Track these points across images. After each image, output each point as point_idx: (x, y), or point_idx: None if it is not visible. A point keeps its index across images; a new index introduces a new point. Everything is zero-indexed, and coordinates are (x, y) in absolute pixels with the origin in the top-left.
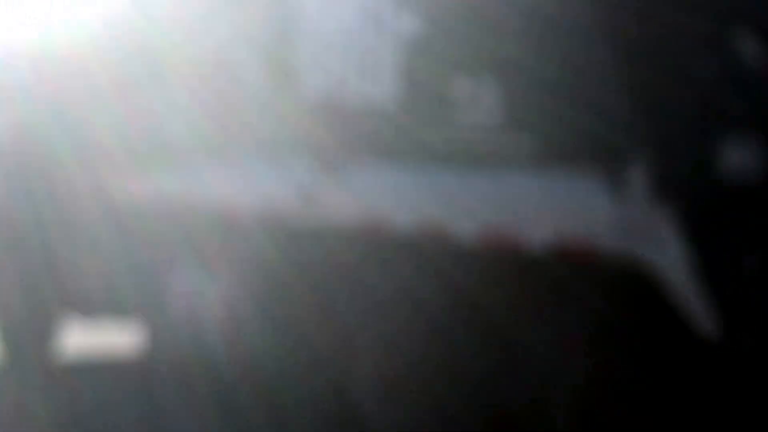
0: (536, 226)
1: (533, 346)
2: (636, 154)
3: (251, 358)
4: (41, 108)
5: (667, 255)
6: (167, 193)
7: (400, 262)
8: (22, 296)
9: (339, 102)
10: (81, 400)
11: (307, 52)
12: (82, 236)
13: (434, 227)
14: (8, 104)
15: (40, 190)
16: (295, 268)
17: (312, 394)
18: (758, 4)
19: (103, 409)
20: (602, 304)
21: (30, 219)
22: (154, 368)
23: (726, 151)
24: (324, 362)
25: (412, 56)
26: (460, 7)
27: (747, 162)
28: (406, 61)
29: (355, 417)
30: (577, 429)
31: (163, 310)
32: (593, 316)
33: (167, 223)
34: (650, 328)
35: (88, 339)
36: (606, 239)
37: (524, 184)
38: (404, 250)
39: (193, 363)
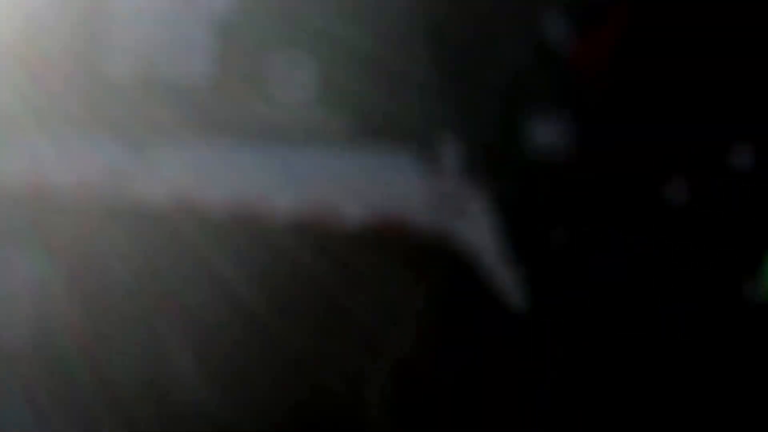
0: (351, 203)
1: (350, 323)
2: (448, 131)
3: (62, 339)
4: None
5: (478, 230)
6: None
7: (215, 240)
8: None
9: (151, 79)
10: None
11: (118, 29)
12: None
13: (249, 205)
14: None
15: None
16: (108, 247)
17: (125, 373)
18: None
19: None
20: (415, 280)
21: None
22: None
23: (534, 128)
24: (136, 341)
25: (225, 32)
26: None
27: (553, 139)
28: (218, 38)
29: (168, 397)
30: (395, 403)
31: None
32: (406, 291)
33: None
34: (462, 302)
35: None
36: (419, 215)
37: (339, 160)
38: (219, 229)
39: (5, 345)
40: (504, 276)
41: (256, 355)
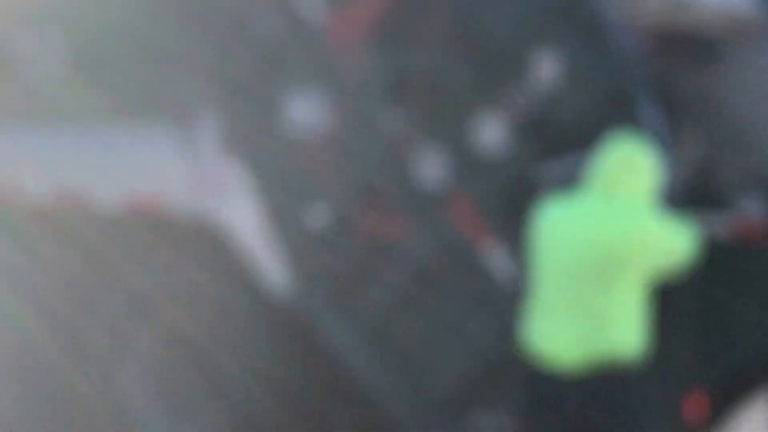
0: (107, 183)
1: (109, 308)
2: (205, 109)
3: None
4: None
5: (238, 208)
6: None
7: None
8: None
9: None
10: None
11: None
12: None
13: (1, 186)
14: None
15: None
16: None
17: None
18: None
19: None
20: (175, 260)
21: None
22: None
23: (290, 105)
24: None
25: None
26: None
27: (310, 116)
28: None
29: None
30: (153, 387)
31: None
32: (166, 272)
33: None
34: (222, 281)
35: None
36: (177, 195)
37: (94, 139)
38: None
39: None
40: (265, 255)
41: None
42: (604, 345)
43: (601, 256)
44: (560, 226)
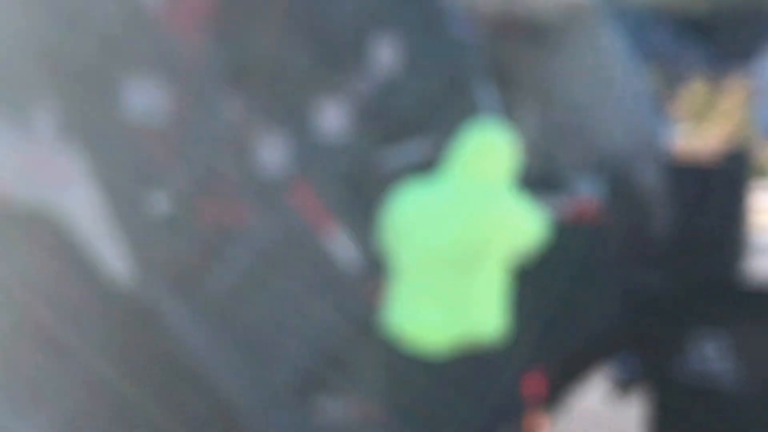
0: None
1: None
2: (42, 95)
3: None
4: None
5: (76, 196)
6: None
7: None
8: None
9: None
10: None
11: None
12: None
13: None
14: None
15: None
16: None
17: None
18: None
19: None
20: (15, 247)
21: None
22: None
23: (129, 91)
24: None
25: None
26: None
27: (150, 102)
28: None
29: None
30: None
31: None
32: (6, 258)
33: None
34: (63, 269)
35: None
36: (11, 183)
37: None
38: None
39: None
40: (104, 244)
41: None
42: (466, 328)
43: (461, 240)
44: (418, 211)
